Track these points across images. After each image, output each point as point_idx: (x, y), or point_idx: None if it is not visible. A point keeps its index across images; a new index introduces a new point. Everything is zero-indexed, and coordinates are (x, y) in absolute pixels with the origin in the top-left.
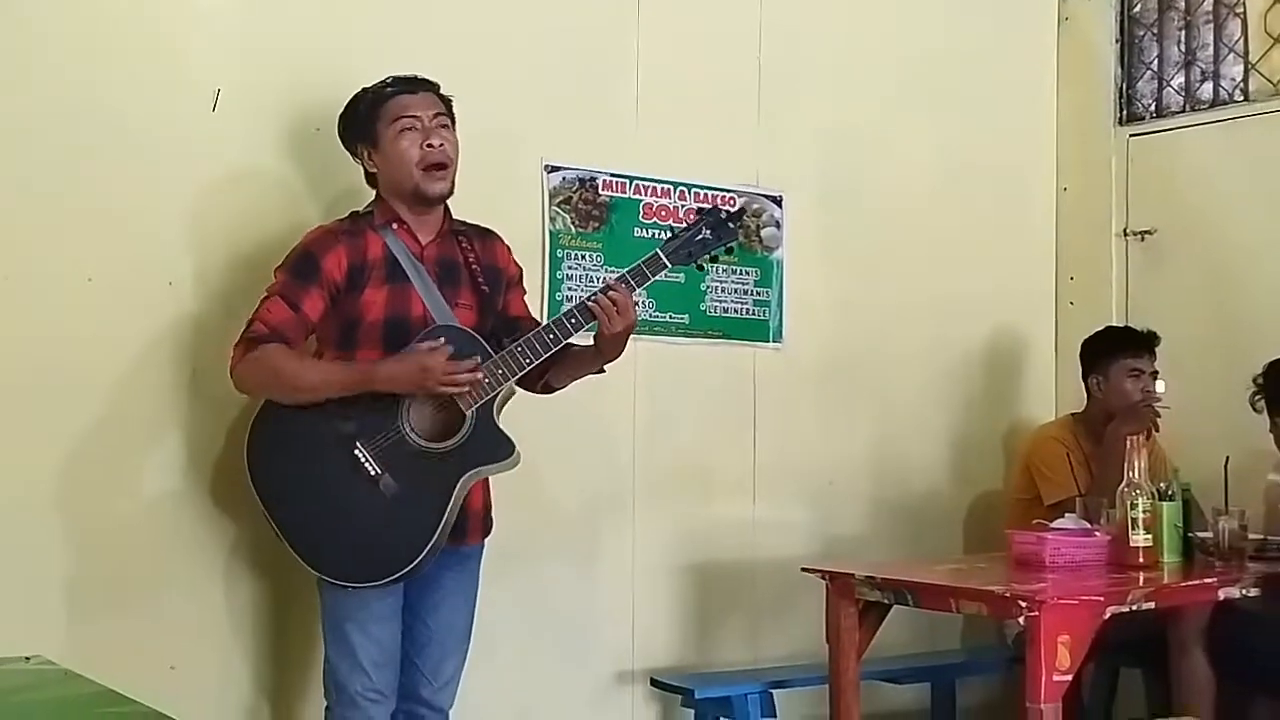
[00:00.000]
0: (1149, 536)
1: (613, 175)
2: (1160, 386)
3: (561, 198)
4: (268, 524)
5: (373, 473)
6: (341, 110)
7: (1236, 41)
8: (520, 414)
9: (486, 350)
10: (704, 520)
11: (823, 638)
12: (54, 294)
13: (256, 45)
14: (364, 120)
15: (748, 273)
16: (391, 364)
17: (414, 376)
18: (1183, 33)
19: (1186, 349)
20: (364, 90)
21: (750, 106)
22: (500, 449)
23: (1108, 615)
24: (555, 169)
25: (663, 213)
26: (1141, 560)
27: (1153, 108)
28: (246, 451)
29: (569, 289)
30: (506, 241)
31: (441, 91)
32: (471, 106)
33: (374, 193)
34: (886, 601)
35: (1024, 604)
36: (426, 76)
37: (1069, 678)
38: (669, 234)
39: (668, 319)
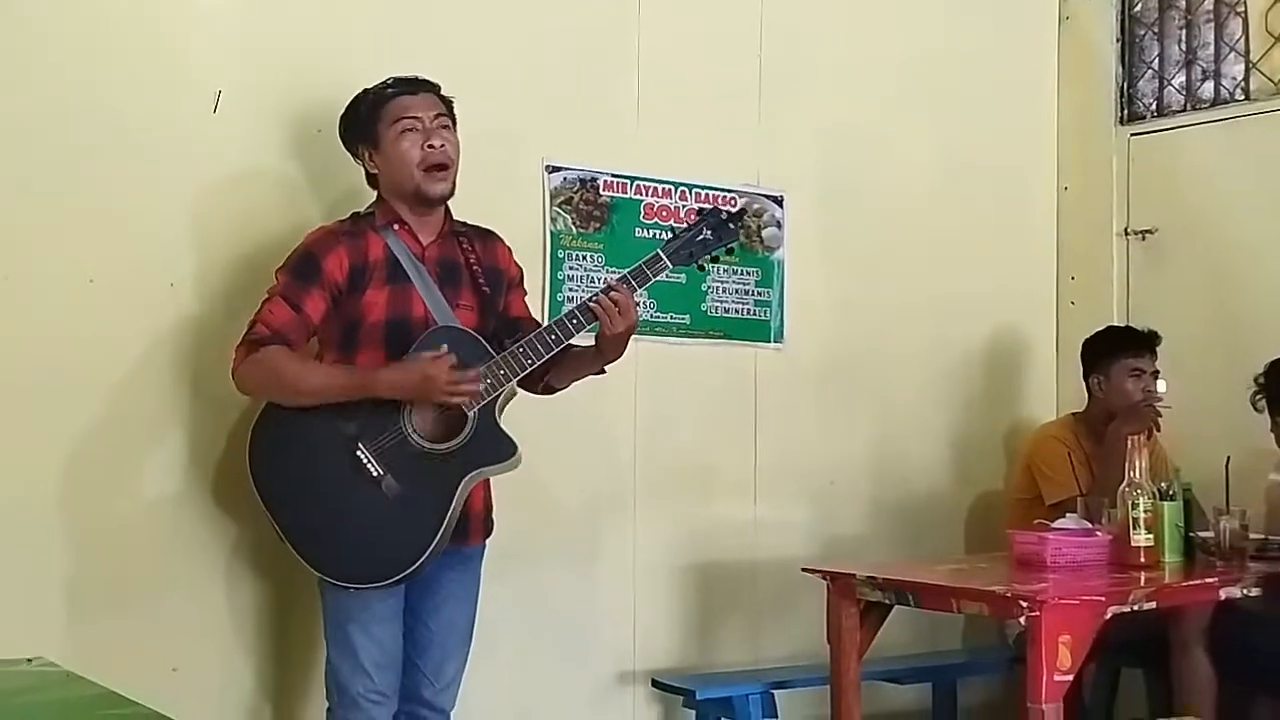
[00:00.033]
0: (1150, 536)
1: (614, 176)
2: (1161, 386)
3: (562, 198)
4: (269, 525)
5: (375, 474)
6: (342, 111)
7: (1237, 40)
8: (521, 414)
9: (488, 351)
10: (705, 520)
11: (824, 638)
12: (54, 294)
13: (257, 45)
14: (365, 121)
15: (749, 273)
16: (394, 371)
17: (416, 385)
18: (1183, 32)
19: (1187, 348)
20: (365, 91)
21: (751, 106)
22: (502, 450)
23: (1109, 615)
24: (556, 169)
25: (664, 213)
26: (1143, 560)
27: (1154, 107)
28: (248, 452)
29: (570, 290)
30: (507, 242)
31: (442, 92)
32: (472, 107)
33: (375, 194)
34: (888, 602)
35: (1025, 604)
36: (427, 77)
37: (1070, 678)
38: (670, 234)
39: (669, 319)
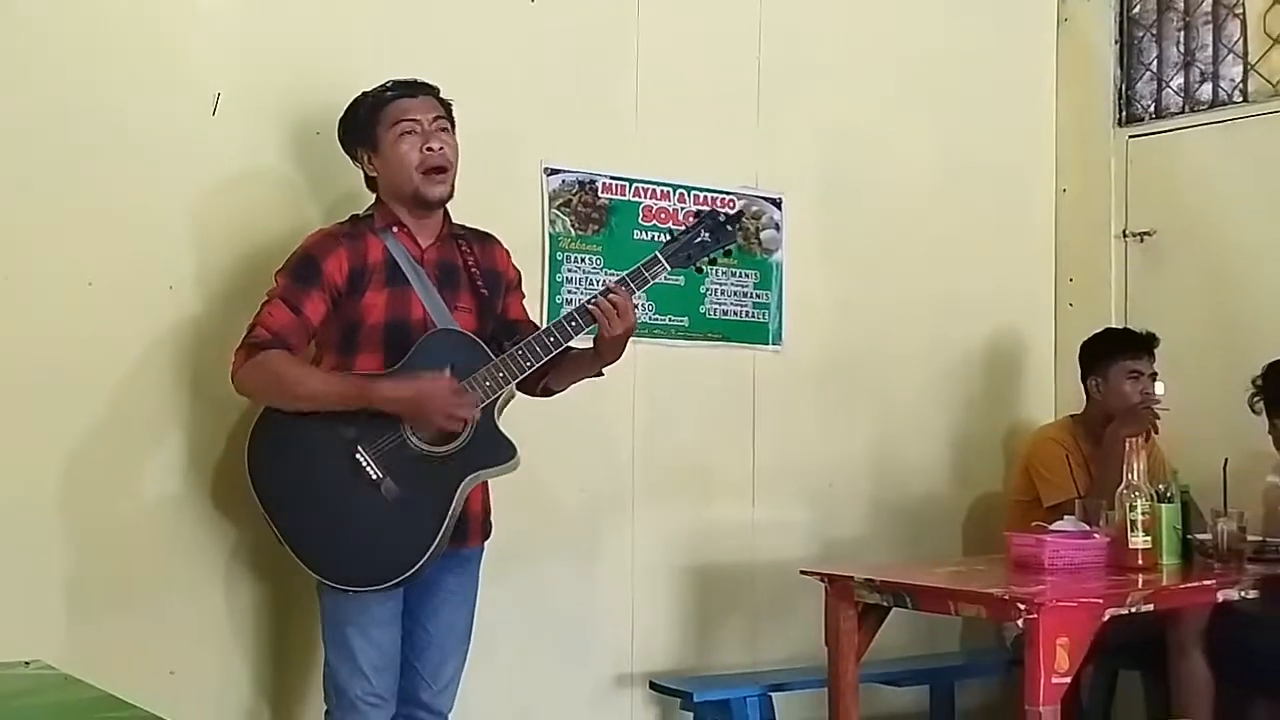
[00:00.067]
0: (1148, 538)
1: (612, 178)
2: (1159, 388)
3: (561, 200)
4: (268, 528)
5: (374, 477)
6: (341, 114)
7: (1236, 42)
8: (520, 416)
9: (487, 354)
10: (703, 522)
11: (822, 640)
12: (54, 295)
13: (256, 46)
14: (364, 124)
15: (747, 275)
16: (393, 385)
17: (414, 402)
18: (1182, 34)
19: (1186, 350)
20: (363, 94)
21: (750, 108)
22: (501, 452)
23: (1106, 617)
24: (555, 171)
25: (662, 215)
26: (1140, 562)
27: (1152, 109)
28: (247, 455)
29: (569, 292)
30: (505, 245)
31: (441, 95)
32: (471, 109)
33: (374, 197)
34: (885, 604)
35: (1023, 606)
36: (426, 80)
37: (1068, 680)
38: (668, 237)
39: (667, 322)
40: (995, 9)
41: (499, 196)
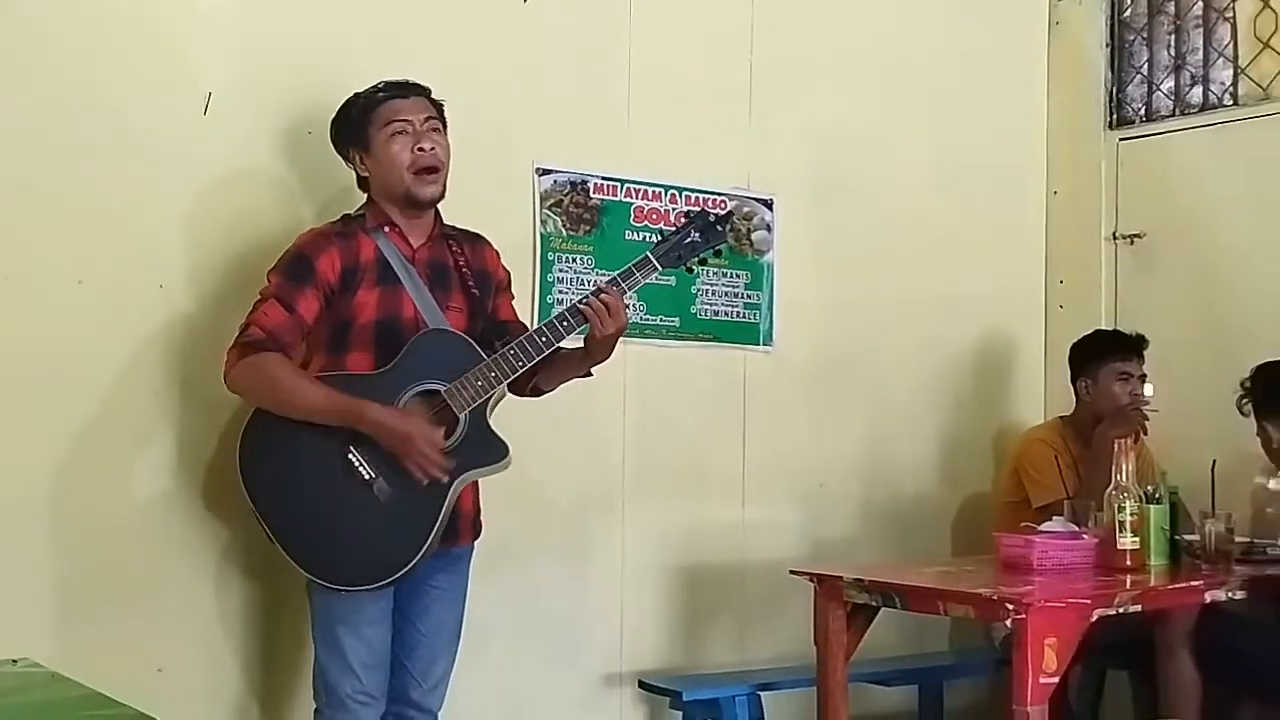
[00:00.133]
0: (1136, 539)
1: (604, 178)
2: (1148, 390)
3: (553, 200)
4: (259, 527)
5: (366, 476)
6: (333, 115)
7: (1226, 46)
8: (511, 416)
9: (478, 353)
10: (694, 522)
11: (811, 640)
12: (53, 295)
13: (255, 46)
14: (356, 125)
15: (738, 276)
16: (384, 413)
17: (399, 438)
18: (1172, 37)
19: (1175, 352)
20: (355, 95)
21: (741, 109)
22: (493, 451)
23: (1094, 618)
24: (546, 172)
25: (653, 216)
26: (1128, 563)
27: (1142, 111)
28: (239, 455)
29: (560, 292)
30: (495, 246)
31: (433, 96)
32: (463, 109)
33: (365, 196)
34: (874, 604)
35: (1011, 607)
36: (418, 81)
37: (1055, 680)
38: (659, 237)
39: (658, 322)
40: (986, 11)
41: (491, 196)
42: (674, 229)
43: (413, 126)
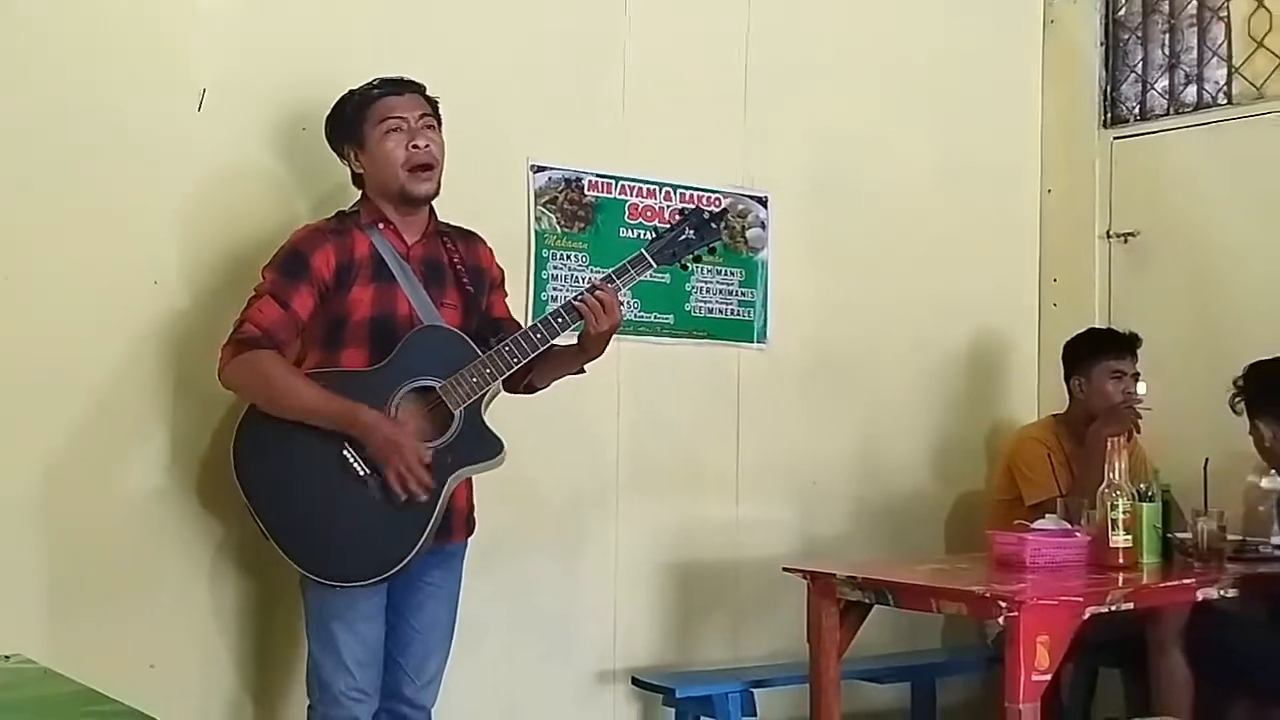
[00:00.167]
0: (1129, 537)
1: (599, 175)
2: (1141, 388)
3: (547, 197)
4: (254, 523)
5: (361, 473)
6: (328, 112)
7: (1220, 45)
8: (505, 413)
9: (474, 350)
10: (687, 519)
11: (804, 637)
12: (52, 294)
13: (252, 44)
14: (350, 121)
15: (732, 273)
16: (377, 419)
17: (388, 444)
18: (1167, 36)
19: (1168, 351)
20: (350, 92)
21: (737, 108)
22: (488, 447)
23: (1087, 615)
24: (541, 169)
25: (648, 213)
26: (1121, 561)
27: (1137, 110)
28: (233, 452)
29: (554, 289)
30: (489, 244)
31: (428, 93)
32: (458, 106)
33: (360, 193)
34: (867, 601)
35: (1004, 604)
36: (413, 78)
37: (1048, 677)
38: (654, 234)
39: (652, 319)
40: (981, 10)
41: (485, 193)
42: (668, 226)
43: (407, 123)
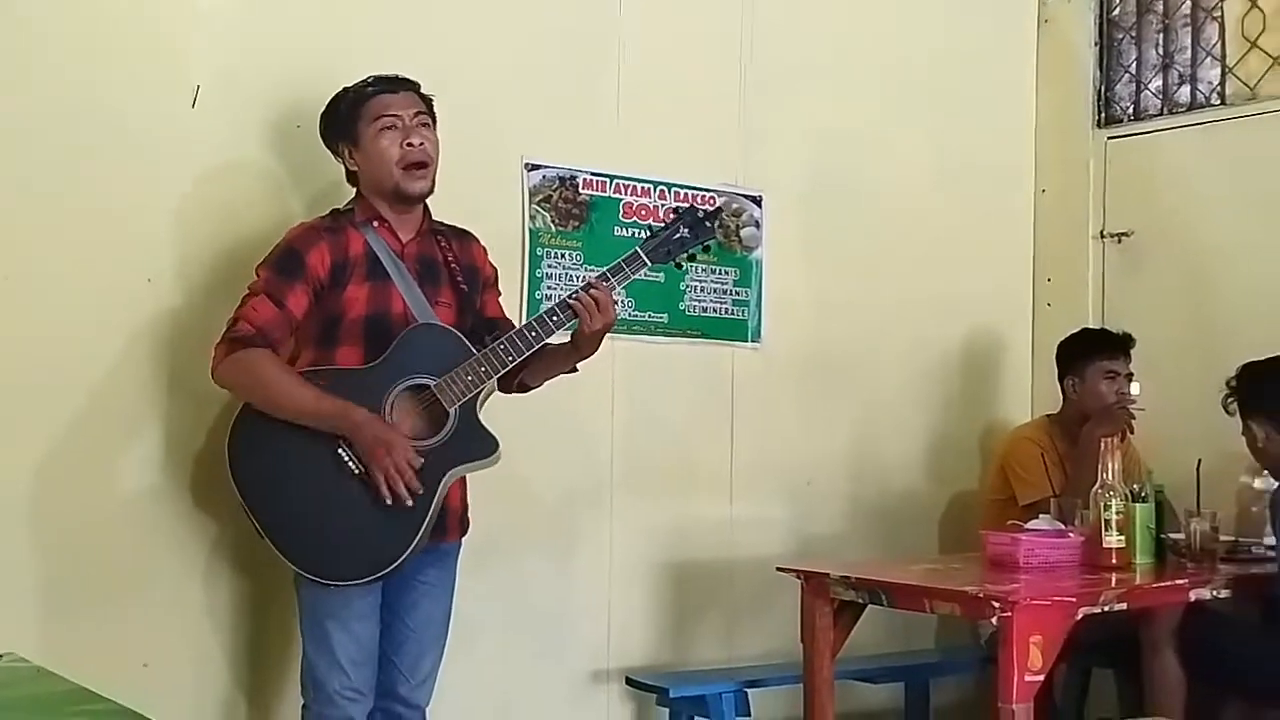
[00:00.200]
0: (1122, 538)
1: (593, 174)
2: (1135, 388)
3: (542, 196)
4: (248, 522)
5: (356, 471)
6: (323, 109)
7: (1214, 45)
8: (500, 412)
9: (468, 348)
10: (682, 519)
11: (798, 637)
12: (52, 293)
13: (248, 43)
14: (345, 119)
15: (727, 272)
16: (367, 418)
17: (379, 442)
18: (1161, 36)
19: (1162, 351)
20: (345, 89)
21: (732, 106)
22: (483, 446)
23: (1080, 616)
24: (536, 167)
25: (643, 212)
26: (1114, 561)
27: (1131, 110)
28: (228, 449)
29: (548, 287)
30: (483, 243)
31: (422, 91)
32: (452, 104)
33: (354, 191)
34: (861, 601)
35: (997, 604)
36: (407, 76)
37: (1041, 678)
38: (648, 233)
39: (647, 318)
40: (976, 10)
41: (480, 192)
42: (663, 225)
43: (402, 121)
